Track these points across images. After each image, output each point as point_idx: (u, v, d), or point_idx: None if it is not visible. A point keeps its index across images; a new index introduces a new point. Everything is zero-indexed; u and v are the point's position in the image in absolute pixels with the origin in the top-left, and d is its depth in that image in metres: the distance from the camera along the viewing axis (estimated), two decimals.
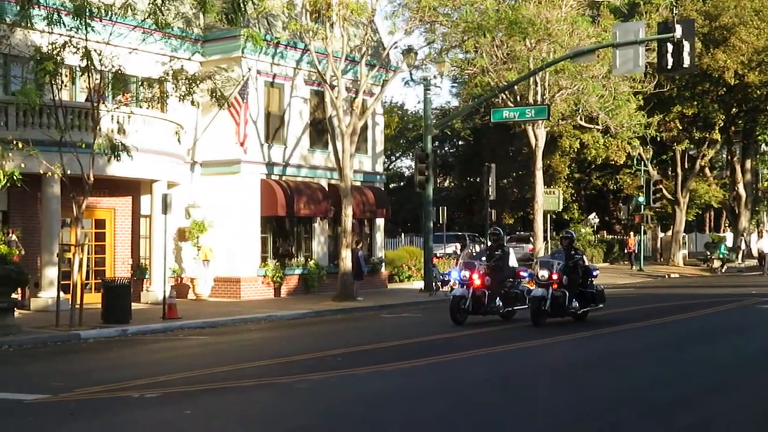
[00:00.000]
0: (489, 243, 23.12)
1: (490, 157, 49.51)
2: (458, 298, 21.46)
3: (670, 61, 25.90)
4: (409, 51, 34.11)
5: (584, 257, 22.24)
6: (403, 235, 53.33)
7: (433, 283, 33.28)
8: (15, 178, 19.59)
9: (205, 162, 31.17)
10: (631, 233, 54.59)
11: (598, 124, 42.12)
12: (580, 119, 41.67)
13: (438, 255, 38.69)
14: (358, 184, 34.91)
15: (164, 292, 23.48)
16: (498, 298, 21.75)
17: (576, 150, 50.09)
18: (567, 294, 20.72)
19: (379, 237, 37.11)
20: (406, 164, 71.33)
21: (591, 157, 49.56)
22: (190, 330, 21.49)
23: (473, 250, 36.77)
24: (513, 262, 23.00)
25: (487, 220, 42.24)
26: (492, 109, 35.41)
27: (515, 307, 22.15)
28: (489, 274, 21.57)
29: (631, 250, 51.52)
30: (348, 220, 30.21)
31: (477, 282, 21.26)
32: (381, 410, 11.44)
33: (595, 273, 22.39)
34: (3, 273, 19.10)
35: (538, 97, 37.78)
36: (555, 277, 20.49)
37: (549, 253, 21.99)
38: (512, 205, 57.61)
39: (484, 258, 22.09)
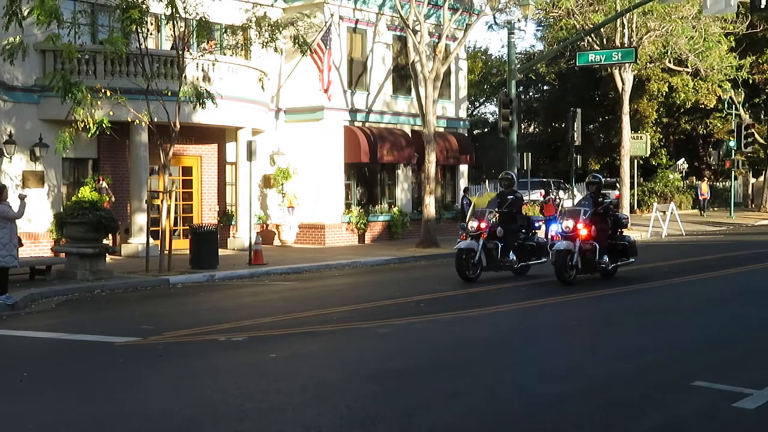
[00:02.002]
0: (500, 188, 20.89)
1: (576, 102, 48.69)
2: (465, 251, 19.17)
3: None
4: None
5: (613, 204, 19.90)
6: (487, 181, 52.98)
7: None
8: (104, 126, 19.94)
9: (288, 109, 31.28)
10: (705, 179, 53.43)
11: (687, 67, 41.06)
12: (669, 62, 40.66)
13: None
14: (442, 130, 34.69)
15: (250, 238, 23.77)
16: (512, 251, 19.65)
17: (664, 94, 48.92)
18: (597, 247, 18.44)
19: (463, 183, 36.90)
20: (489, 110, 70.65)
21: (680, 101, 48.33)
22: (275, 276, 21.75)
23: (557, 198, 36.49)
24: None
25: (572, 165, 41.77)
26: (577, 53, 34.72)
27: (530, 262, 20.14)
28: (501, 222, 19.66)
29: (704, 196, 50.42)
30: (431, 166, 30.09)
31: (486, 233, 19.20)
32: (466, 353, 11.47)
33: (625, 221, 20.15)
34: (94, 219, 19.54)
35: (625, 40, 36.90)
36: (581, 227, 18.24)
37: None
38: (598, 150, 56.63)
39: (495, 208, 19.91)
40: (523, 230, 20.08)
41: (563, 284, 17.86)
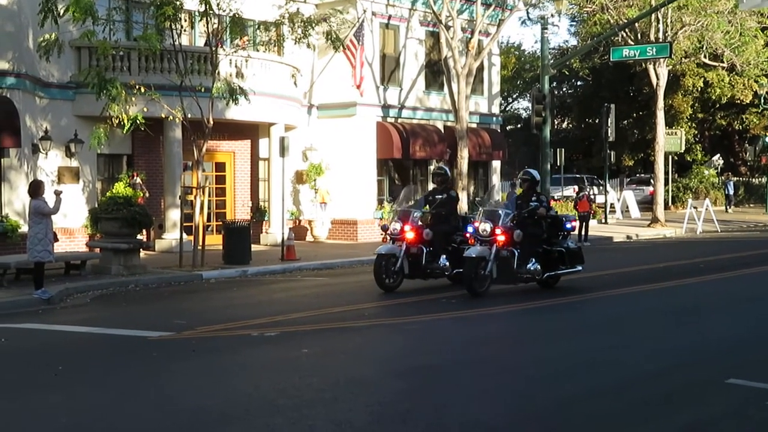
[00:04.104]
0: (433, 185, 18.47)
1: (610, 98, 48.39)
2: (385, 257, 17.01)
3: None
4: None
5: (550, 204, 17.61)
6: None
7: None
8: (138, 122, 20.08)
9: (321, 105, 31.33)
10: (728, 174, 52.95)
11: (723, 62, 40.66)
12: (704, 57, 40.25)
13: (555, 197, 38.21)
14: (474, 125, 34.61)
15: (283, 234, 23.85)
16: (444, 256, 17.24)
17: (699, 89, 48.50)
18: (517, 253, 16.09)
19: (495, 179, 36.80)
20: (523, 106, 70.43)
21: (715, 96, 47.87)
22: (307, 271, 21.80)
23: (590, 193, 36.30)
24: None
25: (605, 161, 41.56)
26: (611, 48, 34.49)
27: None
28: (429, 224, 17.30)
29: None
30: (464, 162, 30.05)
31: (411, 236, 16.96)
32: (493, 350, 11.46)
33: (569, 225, 17.59)
34: (128, 215, 19.69)
35: (660, 35, 36.59)
36: (499, 231, 15.90)
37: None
38: (632, 146, 56.25)
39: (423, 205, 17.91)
40: (459, 233, 17.54)
41: (472, 296, 15.69)
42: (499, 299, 15.75)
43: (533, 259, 16.37)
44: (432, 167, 33.42)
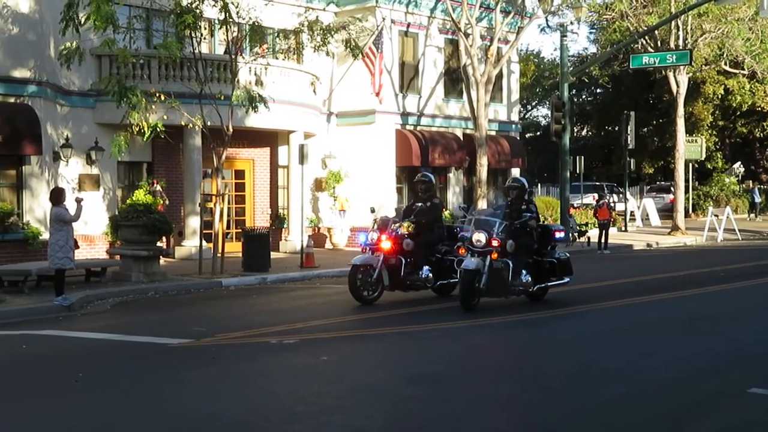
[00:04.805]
0: (417, 193, 17.62)
1: (629, 105, 48.27)
2: (360, 269, 16.25)
3: None
4: None
5: (538, 214, 16.59)
6: (539, 185, 52.69)
7: (570, 234, 32.80)
8: (158, 129, 20.16)
9: (340, 112, 31.38)
10: (754, 182, 52.65)
11: (743, 69, 40.50)
12: (725, 64, 40.11)
13: (575, 205, 38.11)
14: (493, 133, 34.58)
15: (302, 241, 23.88)
16: (426, 267, 16.50)
17: (720, 96, 48.29)
18: (511, 265, 15.28)
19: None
20: (542, 113, 70.30)
21: (736, 104, 47.59)
22: (327, 279, 21.81)
23: (610, 200, 36.15)
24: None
25: (625, 169, 41.42)
26: (631, 55, 34.43)
27: (452, 279, 16.62)
28: (410, 234, 16.48)
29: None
30: (483, 169, 30.03)
31: (387, 246, 16.18)
32: (506, 359, 11.45)
33: (558, 236, 16.75)
34: (149, 222, 19.77)
35: (680, 42, 36.46)
36: (495, 242, 15.01)
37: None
38: (652, 154, 56.05)
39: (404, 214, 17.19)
40: (444, 243, 16.90)
41: (465, 311, 14.84)
42: (501, 310, 15.66)
43: (524, 271, 15.65)
44: (450, 174, 33.51)
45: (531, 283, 15.74)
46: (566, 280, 16.54)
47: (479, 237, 15.02)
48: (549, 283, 16.29)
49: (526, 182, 16.99)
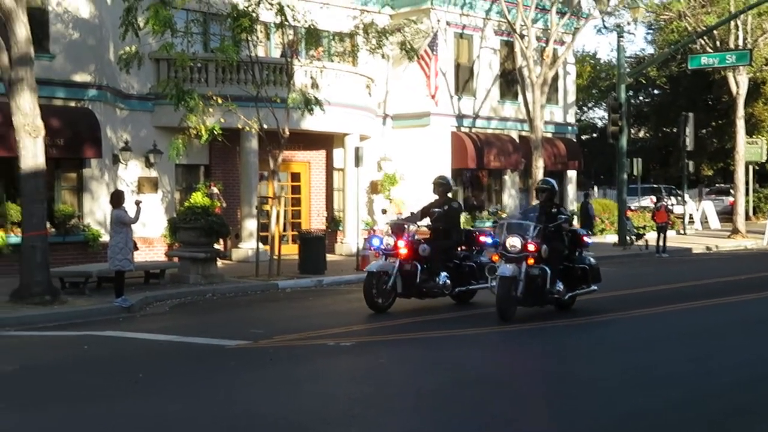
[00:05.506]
0: (435, 196, 16.86)
1: (688, 106, 47.63)
2: (375, 275, 15.57)
3: None
4: None
5: (569, 217, 15.70)
6: (595, 187, 52.27)
7: (627, 237, 32.45)
8: (215, 132, 20.32)
9: (395, 115, 31.39)
10: None
11: None
12: None
13: (632, 208, 37.70)
14: (549, 135, 34.36)
15: (357, 244, 23.91)
16: (444, 274, 15.88)
17: None
18: (548, 272, 14.44)
19: (571, 189, 36.47)
20: (598, 115, 69.68)
21: None
22: None
23: (668, 203, 35.71)
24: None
25: (684, 171, 40.88)
26: (689, 56, 34.00)
27: (472, 286, 16.26)
28: (427, 240, 16.12)
29: None
30: (539, 172, 29.83)
31: (403, 251, 15.59)
32: (557, 363, 11.35)
33: (587, 240, 15.80)
34: (206, 225, 19.93)
35: (740, 42, 35.91)
36: (532, 247, 14.14)
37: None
38: (711, 155, 55.30)
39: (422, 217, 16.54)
40: (463, 248, 16.47)
41: (503, 321, 14.03)
42: (539, 317, 15.46)
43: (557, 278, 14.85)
44: (506, 177, 33.33)
45: (564, 290, 14.89)
46: (594, 287, 15.66)
47: (514, 242, 14.18)
48: (579, 291, 15.40)
49: (556, 184, 16.03)
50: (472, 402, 9.10)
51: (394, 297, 15.66)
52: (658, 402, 8.96)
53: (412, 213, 17.03)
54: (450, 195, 16.82)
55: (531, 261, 14.13)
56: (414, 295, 15.90)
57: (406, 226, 15.94)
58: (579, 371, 10.79)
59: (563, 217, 14.89)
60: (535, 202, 28.95)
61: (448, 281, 15.88)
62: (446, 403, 9.04)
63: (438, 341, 13.00)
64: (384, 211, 19.19)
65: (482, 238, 16.37)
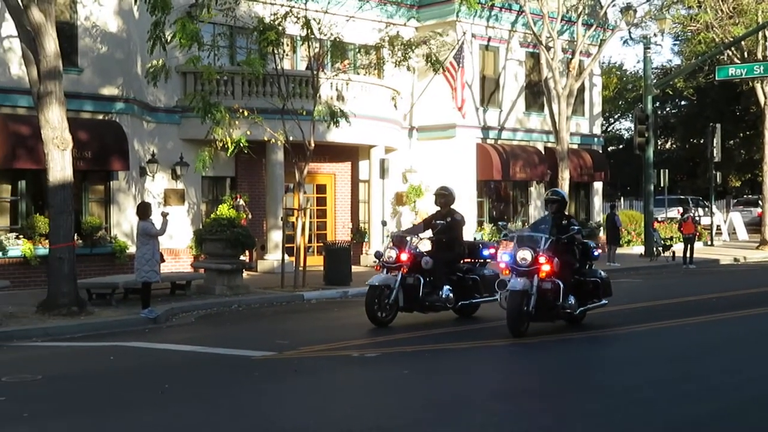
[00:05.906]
0: (437, 207, 16.62)
1: (715, 117, 47.35)
2: (377, 289, 15.25)
3: None
4: (627, 8, 33.08)
5: (581, 229, 14.86)
6: (622, 198, 52.01)
7: (654, 248, 32.29)
8: (241, 145, 20.42)
9: (421, 127, 31.41)
10: None
11: None
12: None
13: (659, 219, 37.52)
14: (575, 146, 34.27)
15: None
16: (447, 287, 15.55)
17: None
18: (561, 286, 13.91)
19: (597, 201, 36.34)
20: (625, 126, 69.40)
21: None
22: None
23: (695, 214, 35.51)
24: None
25: (711, 182, 40.65)
26: (717, 67, 33.85)
27: (475, 300, 16.04)
28: (429, 252, 15.74)
29: None
30: (565, 183, 29.76)
31: (405, 265, 15.34)
32: (587, 374, 11.29)
33: (596, 253, 15.16)
34: (232, 236, 20.02)
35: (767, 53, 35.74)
36: (543, 260, 13.65)
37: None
38: (739, 166, 54.94)
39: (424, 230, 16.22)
40: (467, 261, 16.29)
41: (515, 337, 13.56)
42: (558, 330, 15.44)
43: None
44: (531, 188, 33.25)
45: (576, 305, 14.33)
46: (605, 302, 15.15)
47: (524, 255, 13.68)
48: (590, 305, 14.87)
49: (566, 195, 15.69)
50: (509, 413, 9.06)
51: (396, 311, 15.38)
52: (701, 413, 8.90)
53: (413, 225, 16.68)
54: (453, 206, 16.49)
55: (543, 274, 13.70)
56: (416, 309, 15.65)
57: (408, 238, 15.66)
58: (612, 382, 10.73)
59: (575, 228, 14.44)
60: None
61: (451, 295, 15.57)
62: (473, 415, 9.00)
63: (461, 353, 12.99)
64: (384, 223, 19.15)
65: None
